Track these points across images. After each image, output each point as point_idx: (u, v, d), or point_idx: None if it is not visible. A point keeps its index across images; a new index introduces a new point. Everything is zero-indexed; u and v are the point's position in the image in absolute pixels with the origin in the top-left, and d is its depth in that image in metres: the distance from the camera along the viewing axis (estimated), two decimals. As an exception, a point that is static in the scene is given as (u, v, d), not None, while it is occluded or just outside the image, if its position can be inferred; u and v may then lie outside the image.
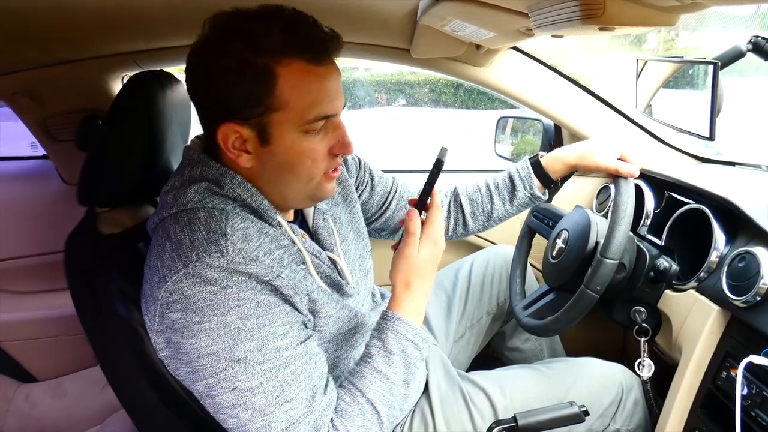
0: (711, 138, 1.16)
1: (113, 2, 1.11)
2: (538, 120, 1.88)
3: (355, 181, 1.26)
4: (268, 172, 0.91)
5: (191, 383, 0.86)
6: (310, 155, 0.90)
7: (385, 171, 1.36)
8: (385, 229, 1.36)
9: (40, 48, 1.32)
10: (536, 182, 1.29)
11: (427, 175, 1.00)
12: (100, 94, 1.44)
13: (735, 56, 1.33)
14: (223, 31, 0.84)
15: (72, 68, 1.42)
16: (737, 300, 1.03)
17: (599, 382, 1.22)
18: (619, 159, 1.19)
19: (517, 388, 1.20)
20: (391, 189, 1.32)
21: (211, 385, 0.83)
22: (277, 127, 0.86)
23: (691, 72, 1.49)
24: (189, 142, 0.99)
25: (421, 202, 0.99)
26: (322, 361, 0.92)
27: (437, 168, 0.99)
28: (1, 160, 1.80)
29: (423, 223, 0.97)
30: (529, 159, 1.31)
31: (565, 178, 1.32)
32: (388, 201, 1.32)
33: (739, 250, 1.08)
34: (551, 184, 1.31)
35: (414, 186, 1.38)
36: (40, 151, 1.69)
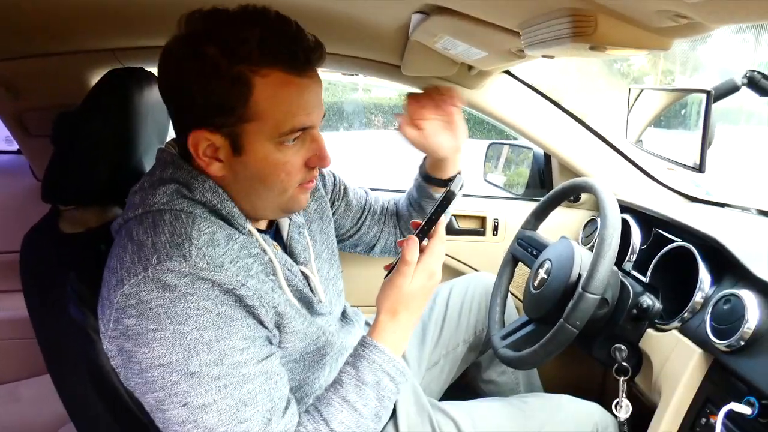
0: (701, 170, 1.14)
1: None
2: (529, 148, 1.87)
3: (330, 197, 1.23)
4: (241, 182, 0.87)
5: (141, 395, 0.81)
6: (284, 168, 0.86)
7: (374, 189, 1.34)
8: (360, 245, 1.33)
9: (20, 37, 1.28)
10: (430, 189, 1.27)
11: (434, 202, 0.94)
12: (79, 90, 1.39)
13: (730, 89, 1.32)
14: (198, 33, 0.79)
15: (52, 61, 1.38)
16: (720, 344, 0.99)
17: (574, 420, 1.18)
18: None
19: (489, 421, 1.15)
20: (365, 204, 1.30)
21: (161, 398, 0.78)
22: (250, 137, 0.82)
23: (683, 112, 1.48)
24: (164, 144, 0.95)
25: (423, 231, 0.92)
26: (284, 382, 0.87)
27: (448, 199, 0.91)
28: (-28, 153, 1.75)
29: (421, 251, 0.91)
30: (419, 166, 1.30)
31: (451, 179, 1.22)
32: (363, 216, 1.29)
33: (725, 292, 1.05)
34: (444, 183, 1.26)
35: (386, 199, 1.37)
36: (14, 146, 1.64)
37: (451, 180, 0.92)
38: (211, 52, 0.77)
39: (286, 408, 0.85)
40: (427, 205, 1.29)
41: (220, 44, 0.77)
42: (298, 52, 0.80)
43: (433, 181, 1.27)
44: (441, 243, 0.93)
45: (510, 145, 2.03)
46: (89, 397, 0.95)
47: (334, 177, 1.25)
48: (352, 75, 1.70)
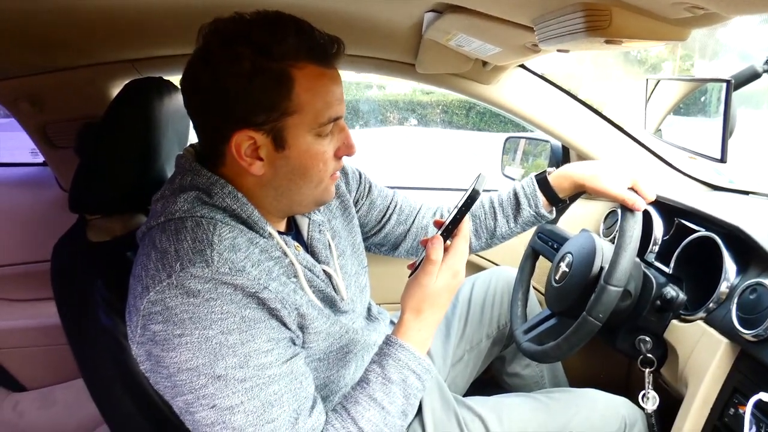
0: (722, 160, 1.12)
1: (116, 8, 1.10)
2: (546, 141, 1.86)
3: (355, 195, 1.24)
4: (280, 178, 0.89)
5: (171, 398, 0.83)
6: (322, 158, 0.89)
7: (391, 187, 1.34)
8: (385, 245, 1.33)
9: (42, 53, 1.31)
10: (542, 200, 1.24)
11: (456, 199, 0.93)
12: (100, 102, 1.43)
13: (750, 76, 1.29)
14: (229, 38, 0.82)
15: (73, 74, 1.42)
16: (747, 334, 0.98)
17: (601, 415, 1.17)
18: (630, 188, 1.13)
19: (515, 417, 1.15)
20: (390, 203, 1.29)
21: (190, 401, 0.80)
22: (292, 130, 0.85)
23: (702, 99, 1.46)
24: (182, 151, 0.97)
25: (448, 230, 0.92)
26: (309, 381, 0.88)
27: (472, 197, 0.90)
28: (0, 167, 1.79)
29: (446, 250, 0.92)
30: (536, 176, 1.26)
31: (573, 197, 1.27)
32: (388, 215, 1.28)
33: (751, 281, 1.03)
34: (558, 203, 1.26)
35: (415, 200, 1.36)
36: (40, 158, 1.68)
37: (475, 179, 0.92)
38: (249, 53, 0.80)
39: (313, 407, 0.86)
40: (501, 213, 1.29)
41: (258, 44, 0.81)
42: (326, 47, 0.85)
43: (550, 194, 1.25)
44: (465, 242, 0.93)
45: (527, 138, 2.02)
46: (121, 400, 0.97)
47: (360, 175, 1.26)
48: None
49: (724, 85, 1.14)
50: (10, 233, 1.66)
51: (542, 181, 1.24)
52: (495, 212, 1.30)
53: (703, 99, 1.45)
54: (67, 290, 1.04)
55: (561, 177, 1.23)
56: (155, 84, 1.12)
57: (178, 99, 1.16)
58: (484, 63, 1.44)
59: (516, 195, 1.27)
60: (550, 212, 1.26)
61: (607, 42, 0.71)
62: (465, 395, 1.28)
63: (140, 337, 0.81)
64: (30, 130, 1.52)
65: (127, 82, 1.14)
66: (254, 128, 0.84)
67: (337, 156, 0.93)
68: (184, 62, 0.86)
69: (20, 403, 1.73)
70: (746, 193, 1.53)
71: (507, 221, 1.29)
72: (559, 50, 0.90)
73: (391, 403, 0.88)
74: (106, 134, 1.07)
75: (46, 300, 1.65)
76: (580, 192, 1.24)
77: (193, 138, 1.10)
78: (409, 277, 0.94)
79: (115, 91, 1.46)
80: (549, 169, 1.25)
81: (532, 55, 1.17)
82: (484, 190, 0.90)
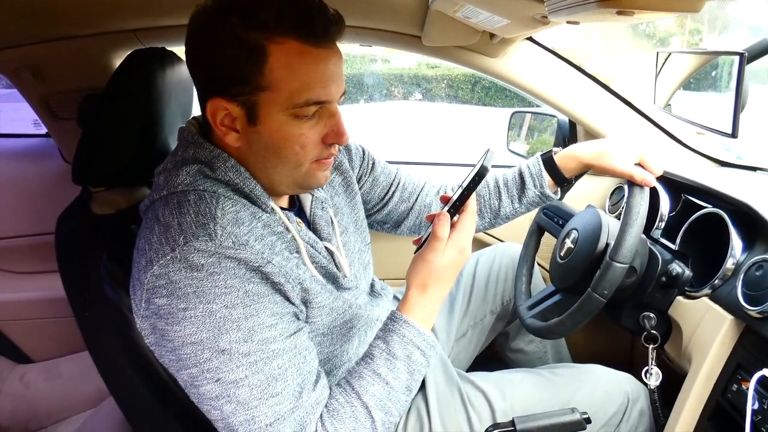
0: (734, 135, 1.10)
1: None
2: (553, 116, 1.84)
3: (358, 172, 1.23)
4: (255, 154, 0.88)
5: (176, 371, 0.84)
6: (298, 141, 0.85)
7: (393, 162, 1.33)
8: (387, 222, 1.32)
9: (43, 22, 1.30)
10: (547, 180, 1.24)
11: (462, 175, 0.91)
12: (102, 72, 1.41)
13: (764, 50, 1.28)
14: (222, 3, 0.80)
15: (75, 44, 1.40)
16: (752, 310, 0.98)
17: (604, 390, 1.17)
18: (637, 164, 1.12)
19: (518, 392, 1.16)
20: (393, 180, 1.28)
21: (194, 374, 0.80)
22: (265, 107, 0.82)
23: (713, 74, 1.44)
24: (185, 123, 0.96)
25: (455, 206, 0.91)
26: (312, 356, 0.88)
27: (481, 174, 0.88)
28: (2, 137, 1.78)
29: (452, 226, 0.90)
30: (541, 155, 1.25)
31: (578, 177, 1.27)
32: (391, 192, 1.28)
33: (757, 258, 1.03)
34: (564, 183, 1.25)
35: (419, 177, 1.35)
36: (43, 130, 1.67)
37: (484, 155, 0.90)
38: (231, 21, 0.78)
39: (317, 381, 0.86)
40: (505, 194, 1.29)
41: (240, 13, 0.78)
42: (316, 23, 0.79)
43: (556, 174, 1.24)
44: (472, 218, 0.92)
45: (533, 112, 2.00)
46: (127, 373, 0.98)
47: (363, 151, 1.24)
48: (370, 46, 1.69)
49: (737, 58, 1.12)
50: (13, 205, 1.66)
51: (548, 161, 1.23)
52: (499, 192, 1.29)
53: (714, 73, 1.43)
54: (72, 263, 1.04)
55: (567, 157, 1.22)
56: (158, 54, 1.10)
57: (181, 70, 1.15)
58: (492, 35, 1.42)
59: (521, 175, 1.26)
60: (555, 193, 1.26)
61: (619, 13, 0.69)
62: (468, 371, 1.28)
63: (144, 310, 0.81)
64: (32, 101, 1.51)
65: (129, 52, 1.12)
66: (229, 98, 0.82)
67: (325, 143, 0.88)
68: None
69: (26, 375, 1.75)
70: (754, 169, 1.52)
71: (511, 201, 1.28)
72: (568, 22, 0.88)
73: (395, 378, 0.88)
74: (108, 105, 1.06)
75: (51, 272, 1.65)
76: (584, 171, 1.23)
77: (196, 110, 1.09)
78: (414, 253, 0.94)
79: (118, 61, 1.44)
80: (555, 149, 1.24)
81: (541, 27, 1.14)
82: (492, 166, 0.89)
